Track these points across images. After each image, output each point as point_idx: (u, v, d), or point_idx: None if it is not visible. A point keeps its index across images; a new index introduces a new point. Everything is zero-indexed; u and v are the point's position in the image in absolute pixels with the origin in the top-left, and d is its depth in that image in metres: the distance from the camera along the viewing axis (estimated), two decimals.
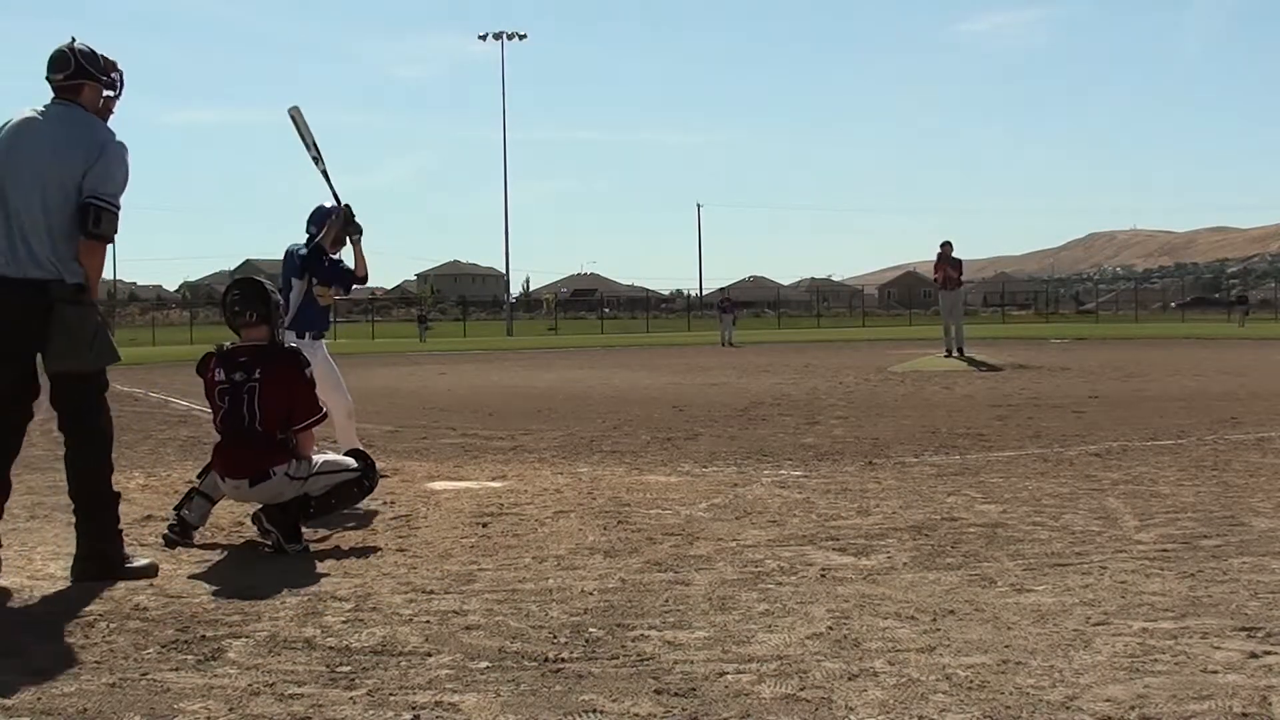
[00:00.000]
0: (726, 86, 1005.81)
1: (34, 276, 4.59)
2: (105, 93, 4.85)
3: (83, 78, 4.75)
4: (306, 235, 7.46)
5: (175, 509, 5.62)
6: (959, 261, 20.40)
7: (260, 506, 5.42)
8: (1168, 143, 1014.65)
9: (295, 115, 7.33)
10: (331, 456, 5.87)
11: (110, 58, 4.86)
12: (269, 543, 5.34)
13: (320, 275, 7.32)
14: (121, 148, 4.75)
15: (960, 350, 20.13)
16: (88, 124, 4.72)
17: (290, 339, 6.83)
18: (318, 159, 7.33)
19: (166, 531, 5.49)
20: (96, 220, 4.57)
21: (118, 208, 4.67)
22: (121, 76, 4.90)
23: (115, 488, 4.89)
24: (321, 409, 5.73)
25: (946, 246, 20.27)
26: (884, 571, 4.77)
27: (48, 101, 4.80)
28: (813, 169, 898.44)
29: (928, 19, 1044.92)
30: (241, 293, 5.64)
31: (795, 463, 8.20)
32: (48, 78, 4.79)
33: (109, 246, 4.79)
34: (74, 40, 4.80)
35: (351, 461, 5.78)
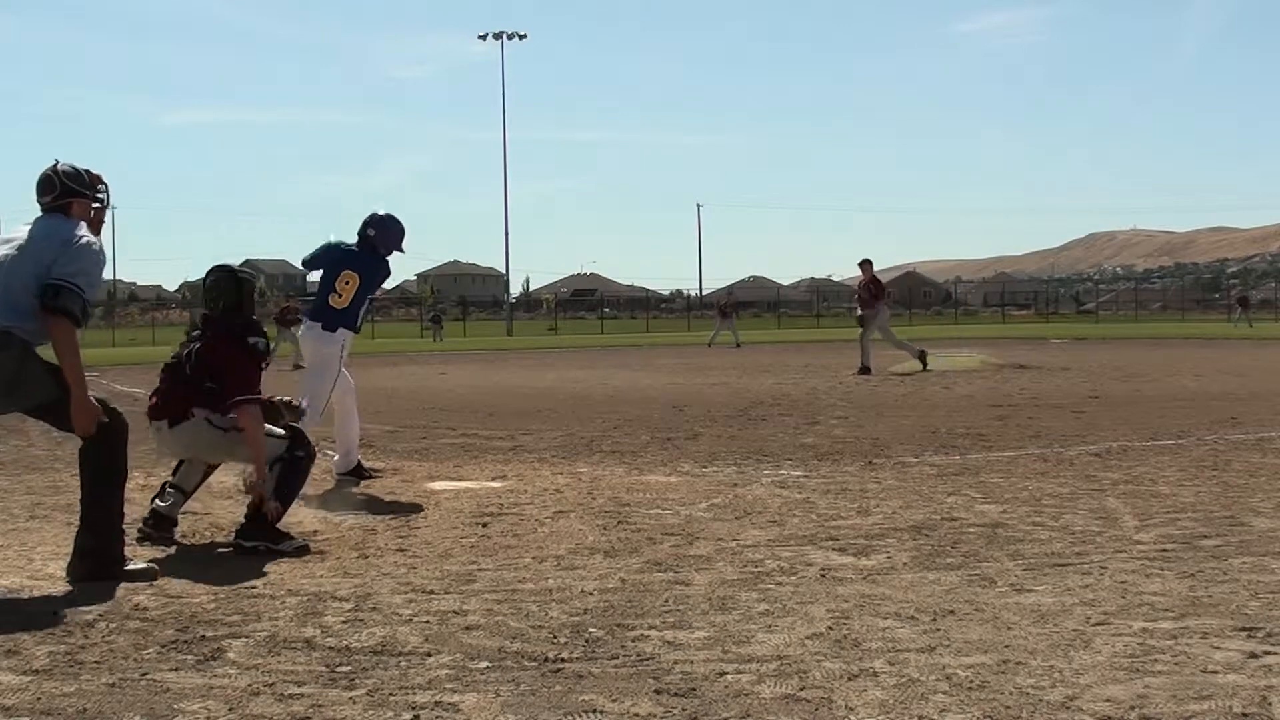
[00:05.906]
0: (726, 86, 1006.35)
1: None
2: (94, 205, 4.96)
3: (69, 196, 4.88)
4: (358, 237, 7.66)
5: (150, 500, 5.76)
6: (880, 282, 19.25)
7: (235, 533, 5.41)
8: (1168, 143, 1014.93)
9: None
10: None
11: (95, 171, 4.98)
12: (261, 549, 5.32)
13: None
14: (97, 248, 4.83)
15: (867, 368, 18.43)
16: (69, 225, 4.81)
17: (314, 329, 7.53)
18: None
19: (141, 526, 5.54)
20: (55, 294, 4.63)
21: (80, 289, 4.69)
22: (107, 188, 5.01)
23: (124, 491, 4.89)
24: (256, 390, 5.47)
25: (867, 265, 19.02)
26: (884, 571, 4.77)
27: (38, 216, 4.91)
28: (813, 169, 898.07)
29: (927, 19, 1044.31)
30: (214, 279, 5.80)
31: (795, 463, 8.20)
32: (38, 200, 4.89)
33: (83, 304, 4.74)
34: (57, 163, 4.91)
35: (276, 441, 5.57)
